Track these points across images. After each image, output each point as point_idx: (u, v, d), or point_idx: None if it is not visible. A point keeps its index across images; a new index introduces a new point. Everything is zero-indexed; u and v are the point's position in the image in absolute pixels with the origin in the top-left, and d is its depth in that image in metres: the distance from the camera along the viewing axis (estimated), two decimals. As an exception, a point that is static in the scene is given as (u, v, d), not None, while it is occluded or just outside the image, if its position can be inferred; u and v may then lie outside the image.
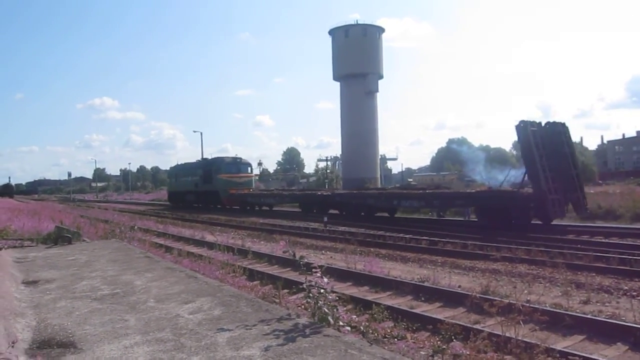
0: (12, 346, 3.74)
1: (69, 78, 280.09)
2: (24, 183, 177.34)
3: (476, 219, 24.37)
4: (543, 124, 22.11)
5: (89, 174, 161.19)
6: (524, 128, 20.95)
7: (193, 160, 57.08)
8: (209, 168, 46.45)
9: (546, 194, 19.84)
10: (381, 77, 79.44)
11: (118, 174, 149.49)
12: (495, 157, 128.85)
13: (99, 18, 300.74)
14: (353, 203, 30.97)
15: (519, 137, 21.54)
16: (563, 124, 22.48)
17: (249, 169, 47.71)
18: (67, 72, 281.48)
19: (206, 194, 45.52)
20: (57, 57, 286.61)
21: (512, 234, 18.18)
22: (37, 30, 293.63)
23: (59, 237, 12.63)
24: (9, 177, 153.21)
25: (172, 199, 56.00)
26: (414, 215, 29.48)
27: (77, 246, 11.76)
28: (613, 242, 16.04)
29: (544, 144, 21.23)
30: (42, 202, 63.23)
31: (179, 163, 62.47)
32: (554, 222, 20.99)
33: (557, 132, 22.01)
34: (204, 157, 59.04)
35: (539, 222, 21.15)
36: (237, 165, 45.70)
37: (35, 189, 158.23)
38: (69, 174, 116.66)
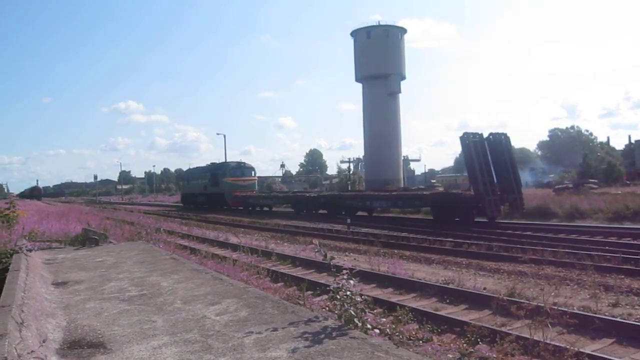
0: (43, 345, 3.81)
1: (95, 82, 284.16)
2: (51, 186, 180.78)
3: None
4: (487, 135, 25.20)
5: (114, 177, 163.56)
6: (466, 139, 24.29)
7: (204, 163, 61.37)
8: (216, 172, 50.15)
9: (484, 195, 23.11)
10: (403, 78, 79.10)
11: (143, 176, 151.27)
12: (520, 158, 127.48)
13: (123, 23, 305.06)
14: (335, 203, 34.36)
15: (462, 147, 24.95)
16: (505, 135, 25.60)
17: (252, 172, 51.29)
18: (93, 77, 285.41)
19: (214, 196, 48.80)
20: (83, 61, 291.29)
21: (456, 226, 22.47)
22: (63, 36, 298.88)
23: (87, 239, 12.82)
24: (37, 180, 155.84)
25: (184, 201, 59.35)
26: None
27: (104, 248, 11.93)
28: (642, 243, 15.75)
29: (490, 152, 24.66)
30: (69, 205, 64.27)
31: (190, 167, 67.39)
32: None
33: (499, 142, 25.09)
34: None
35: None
36: (241, 169, 49.85)
37: (62, 191, 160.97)
38: (95, 177, 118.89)
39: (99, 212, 41.76)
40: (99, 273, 8.06)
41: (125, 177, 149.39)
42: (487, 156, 24.69)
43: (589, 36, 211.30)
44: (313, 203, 36.67)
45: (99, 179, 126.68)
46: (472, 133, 24.95)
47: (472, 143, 24.24)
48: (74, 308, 5.72)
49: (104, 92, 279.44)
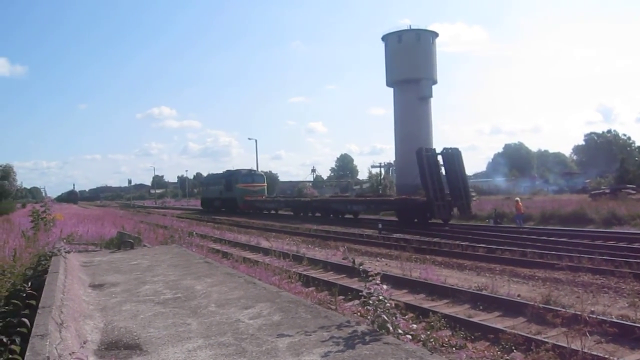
0: (83, 346, 3.89)
1: (129, 89, 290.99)
2: (87, 190, 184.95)
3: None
4: (442, 150, 30.70)
5: (148, 181, 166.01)
6: (420, 152, 29.63)
7: (221, 170, 66.58)
8: (229, 179, 55.07)
9: (433, 201, 28.10)
10: (435, 82, 78.49)
11: (175, 180, 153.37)
12: (554, 163, 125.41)
13: (157, 30, 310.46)
14: (324, 207, 39.41)
15: (417, 161, 29.73)
16: (457, 149, 30.67)
17: (262, 179, 56.78)
18: (127, 83, 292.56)
19: (228, 200, 54.22)
20: (117, 68, 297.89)
21: (415, 225, 27.79)
22: (99, 44, 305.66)
23: (122, 242, 13.06)
24: (74, 184, 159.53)
25: (203, 204, 64.15)
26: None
27: (139, 251, 12.12)
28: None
29: (444, 164, 30.27)
30: (104, 208, 65.61)
31: (210, 174, 73.39)
32: (587, 228, 20.25)
33: (452, 156, 30.31)
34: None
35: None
36: (252, 176, 55.25)
37: (98, 195, 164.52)
38: (129, 181, 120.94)
39: (133, 215, 42.48)
40: (134, 276, 8.20)
41: (158, 181, 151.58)
42: (439, 168, 30.22)
43: (624, 39, 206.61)
44: (307, 207, 41.59)
45: (133, 183, 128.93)
46: (426, 148, 31.22)
47: (425, 157, 29.42)
48: (111, 310, 5.83)
49: (138, 98, 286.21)
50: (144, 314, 5.56)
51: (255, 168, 60.92)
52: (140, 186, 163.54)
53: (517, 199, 28.18)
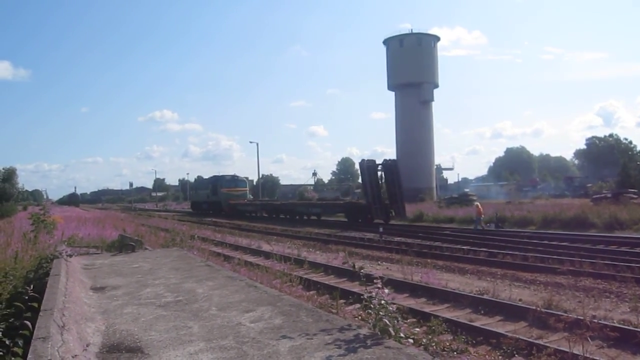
0: (86, 349, 3.90)
1: (131, 92, 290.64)
2: (88, 193, 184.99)
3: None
4: (382, 161, 35.72)
5: (149, 184, 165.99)
6: (362, 163, 35.25)
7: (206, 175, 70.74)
8: (215, 183, 59.77)
9: (371, 204, 33.52)
10: (436, 86, 78.56)
11: (177, 183, 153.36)
12: (556, 167, 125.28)
13: (158, 34, 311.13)
14: (290, 210, 44.71)
15: (360, 170, 36.57)
16: (394, 161, 36.91)
17: (244, 184, 61.43)
18: (128, 86, 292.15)
19: (214, 203, 58.33)
20: (119, 71, 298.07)
21: (361, 224, 32.48)
22: (100, 47, 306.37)
23: (123, 245, 13.06)
24: (75, 187, 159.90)
25: (193, 207, 68.74)
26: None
27: (140, 254, 12.13)
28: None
29: (385, 173, 34.99)
30: (106, 211, 65.64)
31: (198, 179, 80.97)
32: (589, 232, 20.20)
33: (391, 166, 35.35)
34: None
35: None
36: (235, 181, 59.87)
37: (99, 198, 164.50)
38: (131, 184, 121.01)
39: (134, 218, 42.51)
40: (136, 279, 8.21)
41: (159, 184, 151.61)
42: (377, 177, 34.79)
43: (622, 43, 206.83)
44: (278, 209, 46.97)
45: (134, 186, 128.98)
46: (368, 160, 35.91)
47: (366, 167, 34.56)
48: (112, 313, 5.83)
49: (140, 101, 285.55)
50: (145, 317, 5.56)
51: (237, 173, 65.28)
52: (142, 189, 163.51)
53: (477, 203, 29.23)
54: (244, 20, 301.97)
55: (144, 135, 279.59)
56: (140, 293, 6.95)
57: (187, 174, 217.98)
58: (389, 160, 36.13)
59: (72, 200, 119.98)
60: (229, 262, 14.62)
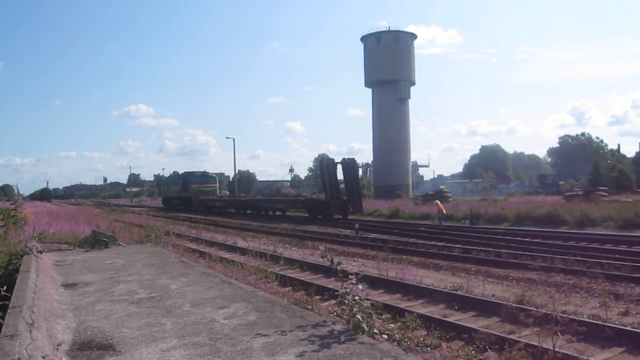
0: (57, 349, 3.83)
1: (106, 86, 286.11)
2: (61, 188, 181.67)
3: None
4: (341, 159, 38.06)
5: (124, 179, 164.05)
6: (321, 161, 38.81)
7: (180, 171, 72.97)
8: (186, 179, 61.39)
9: (330, 201, 35.41)
10: (413, 83, 78.95)
11: (152, 179, 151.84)
12: (529, 164, 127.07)
13: (134, 29, 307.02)
14: (257, 206, 46.55)
15: (319, 167, 40.10)
16: (353, 159, 38.47)
17: (214, 180, 62.72)
18: (103, 80, 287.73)
19: (185, 199, 60.04)
20: (93, 65, 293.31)
21: (321, 220, 34.25)
22: (77, 41, 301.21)
23: (96, 241, 12.88)
24: (47, 182, 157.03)
25: (165, 203, 70.57)
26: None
27: (114, 250, 11.97)
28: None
29: (343, 171, 37.24)
30: (79, 207, 64.69)
31: (170, 175, 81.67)
32: (561, 229, 20.56)
33: (349, 164, 37.48)
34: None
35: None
36: (205, 177, 61.20)
37: (72, 193, 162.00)
38: (105, 179, 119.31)
39: (108, 214, 41.95)
40: (108, 275, 8.10)
41: (134, 179, 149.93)
42: (336, 174, 37.05)
43: (595, 44, 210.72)
44: (245, 205, 48.62)
45: (108, 181, 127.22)
46: (327, 158, 39.30)
47: (325, 165, 37.06)
48: (84, 310, 5.75)
49: (115, 95, 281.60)
50: (117, 314, 5.49)
51: (213, 169, 67.95)
52: (116, 184, 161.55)
53: (437, 201, 29.71)
54: (221, 16, 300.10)
55: (119, 130, 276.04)
56: (112, 289, 6.86)
57: (163, 169, 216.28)
58: (348, 158, 38.37)
59: (44, 195, 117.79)
60: (204, 258, 14.54)
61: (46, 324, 4.70)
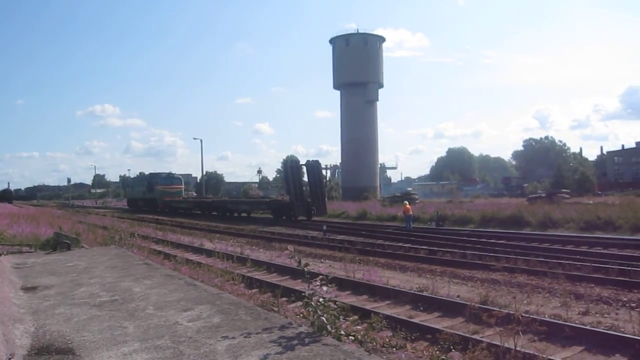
0: (13, 352, 3.73)
1: (70, 85, 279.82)
2: (22, 189, 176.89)
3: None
4: (306, 161, 38.38)
5: (88, 180, 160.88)
6: (286, 163, 40.74)
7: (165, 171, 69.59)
8: (151, 181, 61.25)
9: (294, 202, 35.51)
10: (381, 86, 79.59)
11: (117, 180, 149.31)
12: (494, 167, 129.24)
13: (98, 24, 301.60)
14: (222, 207, 46.18)
15: (283, 169, 41.14)
16: (317, 161, 38.69)
17: (180, 181, 63.10)
18: (68, 79, 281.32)
19: (150, 200, 59.41)
20: (58, 63, 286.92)
21: (285, 221, 34.78)
22: (38, 37, 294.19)
23: (58, 243, 12.62)
24: (8, 183, 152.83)
25: (130, 204, 69.39)
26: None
27: (76, 252, 11.75)
28: (612, 253, 16.04)
29: (307, 172, 37.46)
30: (41, 208, 63.20)
31: (136, 176, 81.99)
32: (524, 231, 20.99)
33: (313, 166, 37.72)
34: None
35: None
36: (171, 179, 61.18)
37: (35, 194, 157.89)
38: (69, 180, 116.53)
39: (71, 216, 41.07)
40: (70, 278, 7.94)
41: (99, 180, 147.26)
42: (300, 175, 37.61)
43: (558, 50, 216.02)
44: (210, 207, 48.19)
45: (72, 182, 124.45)
46: (292, 160, 41.53)
47: (289, 167, 37.80)
48: (43, 313, 5.62)
49: (79, 95, 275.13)
50: (78, 317, 5.38)
51: (180, 170, 67.46)
52: (80, 185, 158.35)
53: (405, 202, 29.83)
54: (189, 17, 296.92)
55: (84, 129, 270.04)
56: (74, 293, 6.72)
57: (129, 170, 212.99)
58: (312, 160, 38.86)
59: (4, 196, 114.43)
60: (170, 260, 14.35)
61: (3, 328, 4.58)
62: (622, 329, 7.80)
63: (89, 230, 22.49)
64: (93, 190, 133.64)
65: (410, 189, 67.95)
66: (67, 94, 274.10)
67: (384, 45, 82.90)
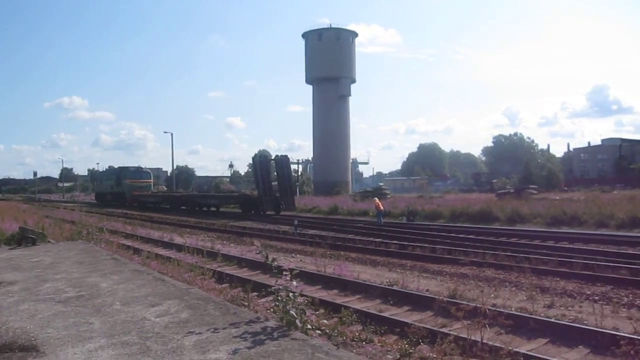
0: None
1: (37, 76, 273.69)
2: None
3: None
4: (275, 156, 39.26)
5: (55, 174, 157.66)
6: (255, 157, 38.55)
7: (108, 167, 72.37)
8: (119, 175, 60.91)
9: (262, 197, 35.63)
10: (354, 81, 79.81)
11: (86, 173, 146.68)
12: (465, 163, 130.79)
13: (68, 15, 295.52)
14: (191, 201, 46.13)
15: (252, 163, 39.91)
16: (286, 156, 38.94)
17: (149, 176, 62.67)
18: (34, 71, 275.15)
19: (118, 194, 59.08)
20: (24, 54, 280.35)
21: (254, 215, 35.06)
22: (4, 28, 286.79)
23: (23, 238, 12.36)
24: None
25: (97, 198, 68.93)
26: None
27: (42, 247, 11.53)
28: (577, 247, 16.38)
29: (276, 167, 38.14)
30: (6, 202, 61.72)
31: (104, 170, 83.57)
32: (493, 226, 21.34)
33: (282, 161, 38.06)
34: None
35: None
36: (139, 173, 60.98)
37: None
38: (35, 174, 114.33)
39: (37, 210, 40.28)
40: (35, 273, 7.78)
41: (67, 174, 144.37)
42: (269, 171, 37.93)
43: (527, 48, 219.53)
44: (179, 201, 48.28)
45: (39, 176, 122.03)
46: (261, 155, 41.23)
47: (258, 161, 37.46)
48: (6, 310, 5.50)
49: (46, 86, 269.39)
50: (42, 314, 5.28)
51: (150, 164, 67.37)
52: (47, 179, 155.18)
53: (375, 198, 30.39)
54: (160, 9, 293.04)
55: (51, 122, 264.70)
56: (39, 288, 6.60)
57: (98, 163, 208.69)
58: (281, 155, 39.08)
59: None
60: (139, 255, 14.17)
61: (-37, 326, 4.47)
62: (586, 321, 7.97)
63: (55, 224, 22.08)
64: (60, 184, 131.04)
65: (381, 184, 68.33)
66: (34, 85, 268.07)
67: (357, 40, 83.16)
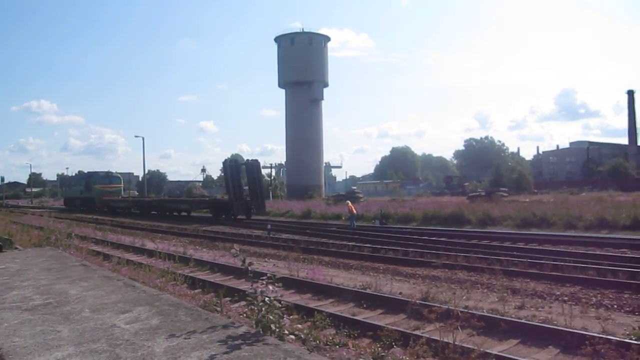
0: None
1: (4, 80, 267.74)
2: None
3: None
4: (246, 160, 41.15)
5: (23, 179, 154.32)
6: (225, 162, 38.46)
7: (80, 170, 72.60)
8: (88, 179, 59.93)
9: (233, 201, 35.93)
10: (326, 85, 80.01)
11: (55, 179, 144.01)
12: (437, 166, 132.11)
13: (39, 20, 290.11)
14: (162, 206, 46.24)
15: (223, 168, 40.81)
16: (256, 161, 39.52)
17: (119, 180, 62.72)
18: (1, 75, 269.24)
19: (87, 199, 58.59)
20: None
21: (224, 219, 34.99)
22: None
23: (-11, 245, 12.07)
24: None
25: (66, 204, 68.28)
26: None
27: (8, 254, 11.27)
28: (546, 249, 16.65)
29: (247, 172, 38.38)
30: (-28, 208, 60.27)
31: (73, 174, 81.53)
32: (465, 228, 21.62)
33: (253, 165, 38.64)
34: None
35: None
36: (109, 177, 60.37)
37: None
38: (2, 179, 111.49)
39: (4, 216, 39.34)
40: (1, 281, 7.59)
41: (35, 179, 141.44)
42: (240, 175, 38.32)
43: (496, 53, 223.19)
44: (150, 206, 48.12)
45: (6, 181, 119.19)
46: (231, 159, 40.75)
47: (229, 166, 37.69)
48: (-30, 319, 5.35)
49: (13, 89, 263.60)
50: (8, 322, 5.15)
51: (120, 169, 67.35)
52: (15, 184, 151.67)
53: (348, 202, 30.31)
54: (132, 13, 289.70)
55: (18, 126, 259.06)
56: (4, 296, 6.43)
57: (67, 168, 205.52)
58: (251, 160, 40.23)
59: None
60: (109, 261, 13.94)
61: None
62: (555, 322, 8.10)
63: (23, 230, 21.62)
64: (28, 190, 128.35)
65: (354, 187, 68.61)
66: (1, 89, 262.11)
67: (329, 44, 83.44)
